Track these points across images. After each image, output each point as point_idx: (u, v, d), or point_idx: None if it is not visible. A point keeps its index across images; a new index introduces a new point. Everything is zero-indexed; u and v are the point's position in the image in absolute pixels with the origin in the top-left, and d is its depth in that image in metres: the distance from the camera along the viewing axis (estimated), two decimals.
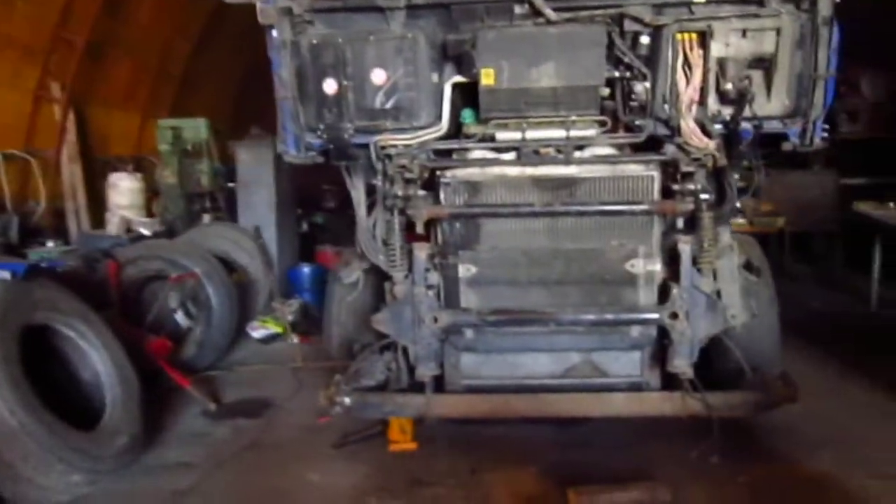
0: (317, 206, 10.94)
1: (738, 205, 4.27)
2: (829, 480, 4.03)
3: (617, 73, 3.90)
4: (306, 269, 8.20)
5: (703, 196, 3.97)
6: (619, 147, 4.12)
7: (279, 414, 5.34)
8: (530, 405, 4.21)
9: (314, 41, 3.90)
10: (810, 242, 9.52)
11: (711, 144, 3.87)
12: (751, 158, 4.05)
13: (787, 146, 3.98)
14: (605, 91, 3.94)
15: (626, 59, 3.85)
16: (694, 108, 3.83)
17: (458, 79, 4.01)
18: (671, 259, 4.16)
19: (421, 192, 4.14)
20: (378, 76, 3.87)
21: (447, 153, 4.20)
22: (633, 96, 3.93)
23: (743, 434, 4.34)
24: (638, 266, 4.10)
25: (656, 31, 3.79)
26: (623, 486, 3.86)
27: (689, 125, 3.84)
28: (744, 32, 3.74)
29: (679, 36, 3.75)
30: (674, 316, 4.00)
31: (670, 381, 4.30)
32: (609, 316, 4.10)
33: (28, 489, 3.90)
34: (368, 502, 4.02)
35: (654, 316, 4.07)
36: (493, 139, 4.08)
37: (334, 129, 4.02)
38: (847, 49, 3.81)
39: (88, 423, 4.30)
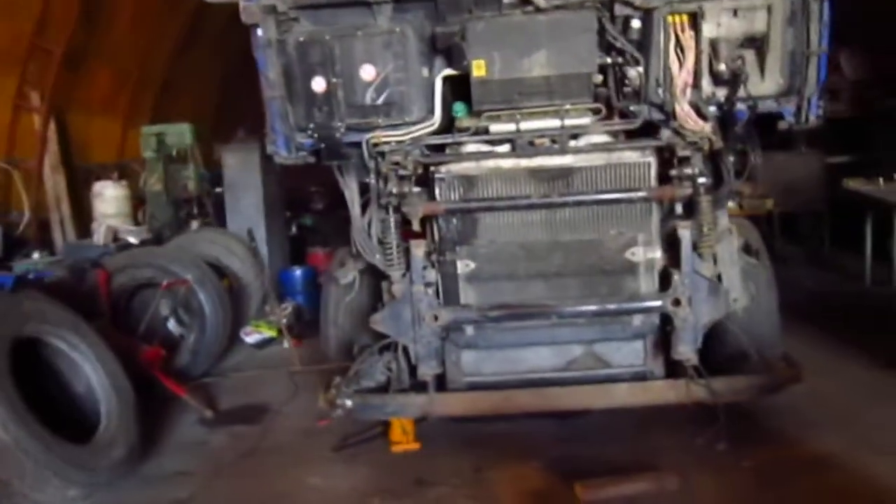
0: (305, 207, 10.88)
1: (734, 188, 4.22)
2: (835, 460, 4.00)
3: (609, 60, 3.86)
4: (298, 272, 8.14)
5: (701, 180, 3.94)
6: (614, 134, 4.08)
7: (277, 419, 5.27)
8: (534, 400, 4.15)
9: (300, 39, 3.83)
10: (797, 223, 9.53)
11: (707, 127, 3.85)
12: (746, 140, 4.02)
13: (782, 125, 3.96)
14: (599, 78, 3.89)
15: (618, 45, 3.81)
16: (688, 91, 3.79)
17: (449, 72, 3.95)
18: (670, 245, 4.13)
19: (416, 189, 4.08)
20: (367, 72, 3.81)
21: (441, 148, 4.14)
22: (627, 82, 3.89)
23: (745, 417, 4.28)
24: (638, 254, 4.06)
25: (647, 15, 3.74)
26: (629, 477, 3.84)
27: (683, 109, 3.81)
28: (735, 12, 3.71)
29: (670, 18, 3.71)
30: (676, 303, 3.96)
31: (674, 369, 4.26)
32: (611, 306, 4.06)
33: None
34: None
35: (657, 304, 4.03)
36: (486, 132, 4.04)
37: (325, 128, 3.95)
38: None
39: (83, 435, 4.22)
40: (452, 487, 4.05)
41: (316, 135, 4.00)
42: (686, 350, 4.02)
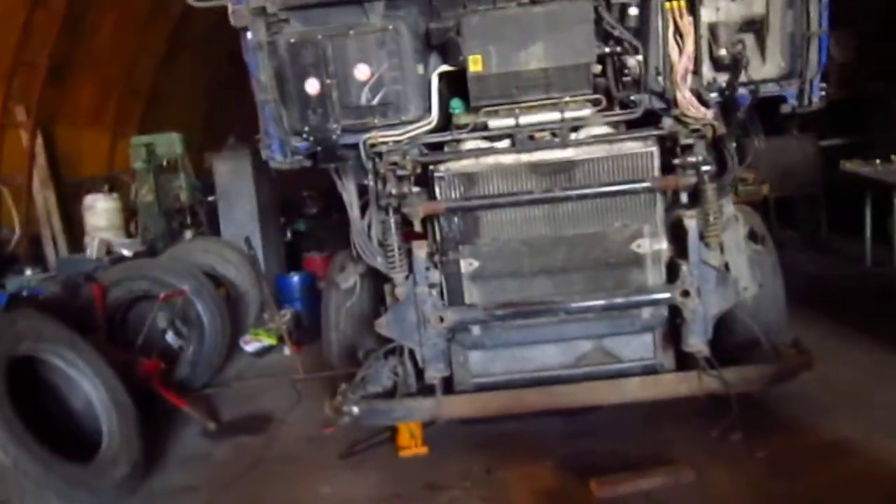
0: (298, 212, 10.80)
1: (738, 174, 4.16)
2: (851, 446, 3.96)
3: (607, 49, 3.80)
4: (295, 278, 8.04)
5: (705, 168, 3.88)
6: (615, 125, 4.02)
7: (281, 428, 5.20)
8: (544, 398, 4.10)
9: (292, 40, 3.76)
10: (793, 207, 9.51)
11: (709, 114, 3.79)
12: (748, 125, 3.97)
13: (785, 108, 3.91)
14: (597, 68, 3.84)
15: (616, 34, 3.75)
16: (689, 77, 3.73)
17: (445, 68, 3.89)
18: (675, 236, 4.07)
19: (415, 189, 4.02)
20: (362, 72, 3.74)
21: (439, 146, 4.08)
22: (626, 71, 3.83)
23: (756, 406, 4.23)
24: (644, 246, 4.01)
25: (644, 2, 3.70)
26: (644, 471, 3.80)
27: (685, 96, 3.75)
28: None
29: (668, 4, 3.65)
30: (685, 294, 3.90)
31: (684, 361, 4.20)
32: (619, 300, 3.99)
33: None
34: None
35: (665, 295, 3.97)
36: (485, 128, 3.97)
37: (320, 131, 3.89)
38: None
39: (85, 454, 4.15)
40: (464, 490, 4.00)
41: (311, 138, 3.93)
42: (697, 341, 3.96)
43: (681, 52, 3.69)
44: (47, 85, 8.71)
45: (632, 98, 3.89)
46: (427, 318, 4.02)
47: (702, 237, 3.97)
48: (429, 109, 3.91)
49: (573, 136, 3.96)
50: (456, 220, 4.05)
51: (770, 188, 8.68)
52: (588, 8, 3.64)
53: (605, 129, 4.01)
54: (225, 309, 6.48)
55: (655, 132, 3.93)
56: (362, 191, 4.22)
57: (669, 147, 3.98)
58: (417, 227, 4.06)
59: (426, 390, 4.20)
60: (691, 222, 3.91)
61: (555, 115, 3.89)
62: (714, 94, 3.78)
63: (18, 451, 3.64)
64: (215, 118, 12.56)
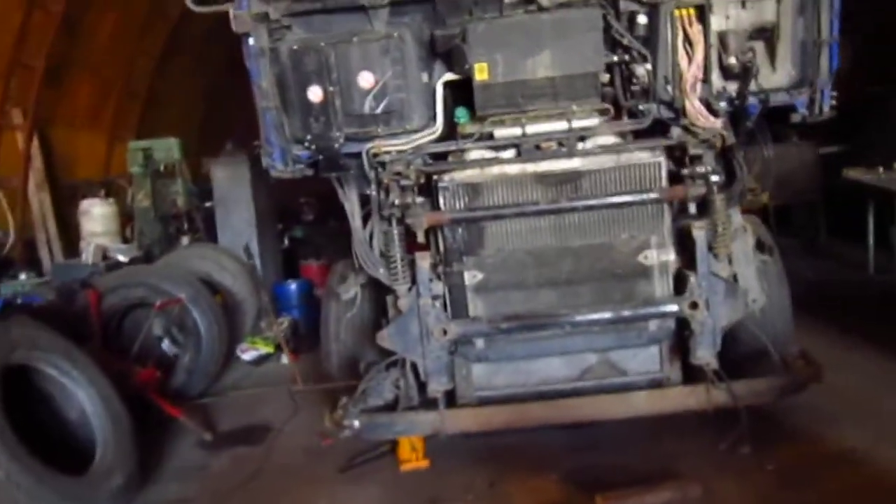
0: (295, 219, 10.73)
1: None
2: (860, 456, 3.92)
3: (615, 58, 3.75)
4: (293, 286, 7.97)
5: (714, 178, 3.83)
6: (623, 134, 3.96)
7: (279, 439, 5.11)
8: (549, 412, 4.03)
9: (294, 47, 3.70)
10: (792, 213, 9.49)
11: (719, 123, 3.75)
12: (757, 134, 3.91)
13: (795, 118, 3.86)
14: (605, 77, 3.79)
15: (625, 42, 3.71)
16: (698, 86, 3.68)
17: (450, 76, 3.83)
18: (683, 247, 4.01)
19: (419, 199, 3.95)
20: (365, 79, 3.68)
21: (443, 156, 4.02)
22: (634, 80, 3.77)
23: (763, 417, 4.17)
24: (651, 257, 3.95)
25: (653, 10, 3.65)
26: (651, 486, 3.73)
27: (694, 105, 3.70)
28: (743, 3, 3.63)
29: (677, 12, 3.61)
30: (693, 306, 3.84)
31: (690, 373, 4.15)
32: (626, 312, 3.92)
33: None
34: None
35: (673, 308, 3.90)
36: (491, 137, 3.91)
37: (322, 139, 3.82)
38: None
39: (79, 465, 4.07)
40: None
41: (313, 146, 3.87)
42: (705, 354, 3.91)
43: (690, 60, 3.64)
44: (44, 87, 8.65)
45: (640, 107, 3.84)
46: (430, 330, 3.95)
47: (710, 248, 3.91)
48: (433, 118, 3.85)
49: (580, 145, 3.91)
50: (460, 230, 3.98)
51: (770, 195, 8.65)
52: (596, 16, 3.59)
53: (612, 139, 3.95)
54: (222, 317, 6.40)
55: (664, 142, 3.88)
56: (364, 200, 4.15)
57: (678, 157, 3.92)
58: (421, 238, 3.99)
59: (428, 404, 4.12)
60: (700, 233, 3.85)
61: (562, 125, 3.83)
62: (723, 104, 3.73)
63: (10, 463, 3.55)
64: (213, 123, 12.49)
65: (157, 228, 8.39)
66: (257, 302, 7.43)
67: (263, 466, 4.64)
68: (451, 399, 4.20)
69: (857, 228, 7.68)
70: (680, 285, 3.96)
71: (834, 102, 3.80)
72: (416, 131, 3.84)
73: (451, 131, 3.96)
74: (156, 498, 4.38)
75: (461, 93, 3.85)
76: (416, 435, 4.21)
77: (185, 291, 6.06)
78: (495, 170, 3.93)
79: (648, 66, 3.72)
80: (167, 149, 8.48)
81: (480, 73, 3.60)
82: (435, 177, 3.97)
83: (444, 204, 3.95)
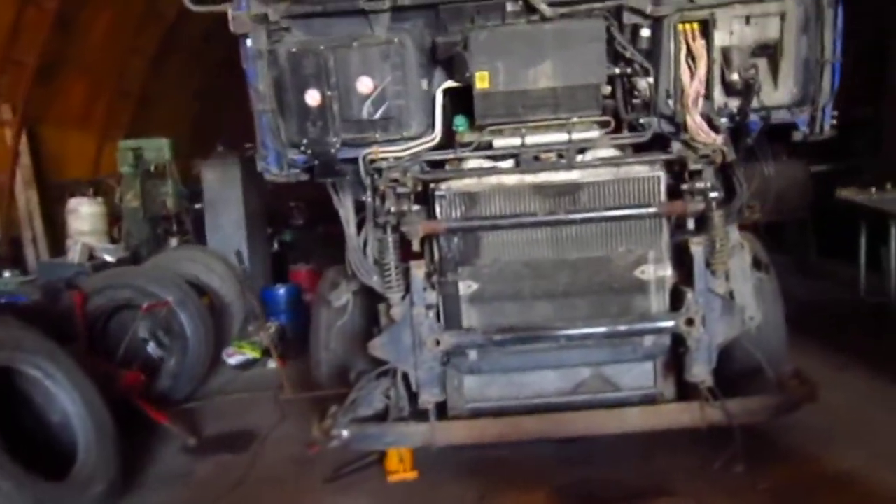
0: (285, 223, 10.65)
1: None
2: (853, 476, 3.90)
3: (617, 70, 3.73)
4: (281, 290, 7.89)
5: (713, 194, 3.80)
6: (623, 148, 3.94)
7: (265, 446, 5.03)
8: (541, 426, 3.98)
9: (293, 49, 3.65)
10: (782, 231, 9.51)
11: (719, 139, 3.72)
12: (757, 151, 3.90)
13: (796, 136, 3.85)
14: (607, 89, 3.75)
15: (627, 54, 3.68)
16: (700, 101, 3.66)
17: (450, 84, 3.79)
18: (680, 262, 3.98)
19: (415, 207, 3.90)
20: (364, 85, 3.64)
21: (441, 164, 3.98)
22: (636, 93, 3.75)
23: (756, 436, 4.13)
24: (648, 272, 3.92)
25: (657, 23, 3.63)
26: (644, 502, 3.73)
27: (695, 120, 3.68)
28: (747, 19, 3.61)
29: (681, 26, 3.59)
30: (690, 322, 3.81)
31: (684, 390, 4.12)
32: (622, 327, 3.89)
33: None
34: None
35: (670, 324, 3.87)
36: (489, 146, 3.88)
37: (319, 144, 3.78)
38: None
39: (60, 470, 3.97)
40: None
41: (309, 151, 3.82)
42: (701, 371, 3.87)
43: (692, 75, 3.62)
44: (36, 84, 8.58)
45: (641, 121, 3.81)
46: (423, 340, 3.89)
47: (708, 264, 3.89)
48: (432, 126, 3.81)
49: (579, 157, 3.88)
50: (456, 240, 3.94)
51: (762, 213, 8.65)
52: (600, 27, 3.57)
53: (612, 152, 3.93)
54: (209, 320, 6.33)
55: (664, 156, 3.86)
56: (359, 207, 4.10)
57: (677, 172, 3.90)
58: (416, 247, 3.93)
59: (419, 415, 4.06)
60: (698, 249, 3.83)
61: (562, 136, 3.80)
62: (725, 120, 3.71)
63: None
64: (205, 125, 12.42)
65: (146, 229, 8.31)
66: (245, 306, 7.35)
67: (249, 474, 4.56)
68: (441, 410, 4.14)
69: (848, 248, 7.69)
70: (676, 301, 3.94)
71: (835, 121, 3.79)
72: (413, 138, 3.80)
73: (449, 139, 3.91)
74: None
75: (460, 101, 3.81)
76: (406, 446, 4.14)
77: (173, 294, 5.97)
78: (493, 179, 3.90)
79: (650, 80, 3.70)
80: (158, 149, 8.39)
81: (481, 82, 3.56)
82: (432, 185, 3.93)
83: (441, 213, 3.91)
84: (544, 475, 4.17)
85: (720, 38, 3.59)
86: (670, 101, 3.70)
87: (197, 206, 8.57)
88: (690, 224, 3.94)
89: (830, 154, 8.94)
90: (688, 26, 3.58)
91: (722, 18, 3.57)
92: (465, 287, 3.95)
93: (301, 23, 3.68)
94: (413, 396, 4.06)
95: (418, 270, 3.91)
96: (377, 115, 3.68)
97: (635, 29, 3.65)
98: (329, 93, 3.66)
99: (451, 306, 3.99)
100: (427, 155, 3.88)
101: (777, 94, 3.69)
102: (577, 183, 3.85)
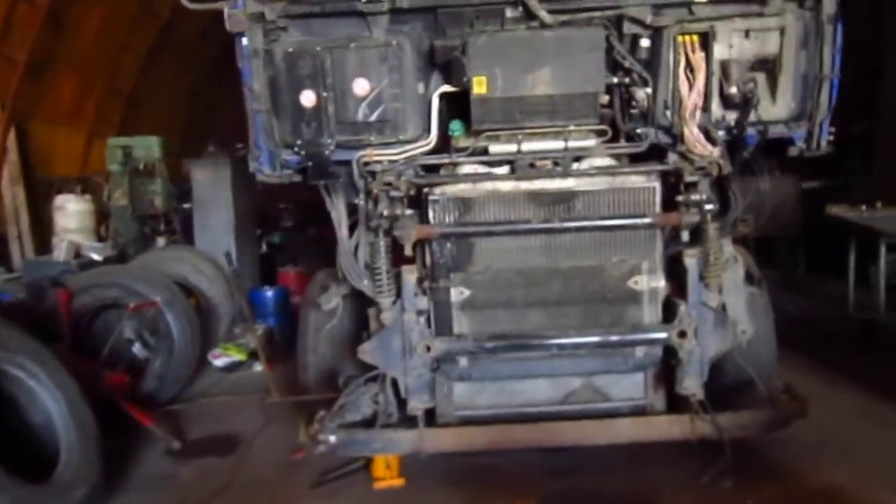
0: (274, 225, 10.58)
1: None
2: (842, 494, 3.87)
3: (616, 80, 3.71)
4: (269, 293, 7.83)
5: (708, 207, 3.79)
6: (619, 157, 3.92)
7: (250, 450, 4.96)
8: (531, 435, 3.96)
9: (289, 49, 3.63)
10: (772, 247, 9.54)
11: (716, 152, 3.71)
12: (753, 165, 3.89)
13: (792, 151, 3.85)
14: (605, 98, 3.74)
15: (626, 64, 3.67)
16: (697, 114, 3.65)
17: (447, 88, 3.76)
18: (673, 274, 3.98)
19: (408, 211, 3.87)
20: (360, 87, 3.62)
21: (435, 168, 3.95)
22: (634, 103, 3.74)
23: (745, 450, 4.12)
24: (641, 283, 3.90)
25: (657, 34, 3.62)
26: None
27: (692, 132, 3.67)
28: (747, 33, 3.61)
29: (681, 38, 3.58)
30: (682, 335, 3.79)
31: (674, 402, 4.11)
32: (614, 337, 3.88)
33: None
34: None
35: (662, 335, 3.86)
36: (485, 152, 3.86)
37: (313, 145, 3.74)
38: None
39: (41, 473, 3.89)
40: None
41: (303, 152, 3.79)
42: (692, 384, 3.86)
43: (691, 87, 3.62)
44: (26, 80, 8.49)
45: (638, 131, 3.80)
46: (413, 346, 3.86)
47: (701, 277, 3.87)
48: (427, 130, 3.79)
49: (575, 166, 3.86)
50: (449, 245, 3.91)
51: (752, 228, 8.66)
52: (600, 36, 3.55)
53: (608, 161, 3.92)
54: (196, 321, 6.25)
55: (660, 167, 3.85)
56: (352, 210, 4.07)
57: (673, 183, 3.89)
58: (408, 251, 3.89)
59: (407, 421, 4.03)
60: (692, 261, 3.82)
61: (558, 144, 3.79)
62: (722, 132, 3.71)
63: None
64: (195, 124, 12.35)
65: (133, 228, 8.19)
66: (233, 307, 7.28)
67: (234, 479, 4.48)
68: (430, 417, 4.11)
69: (836, 265, 7.71)
70: (669, 313, 3.93)
71: (832, 138, 3.79)
72: (409, 142, 3.77)
73: (444, 144, 3.89)
74: None
75: (457, 105, 3.79)
76: (394, 453, 4.10)
77: (160, 294, 5.89)
78: (488, 185, 3.88)
79: (649, 90, 3.69)
80: (148, 147, 8.28)
81: (479, 87, 3.53)
82: (426, 189, 3.91)
83: (434, 217, 3.88)
84: (532, 484, 4.14)
85: (719, 51, 3.58)
86: (668, 113, 3.69)
87: (186, 205, 8.48)
88: (685, 236, 3.91)
89: (822, 171, 9.00)
90: (687, 38, 3.58)
91: (722, 31, 3.56)
92: (457, 293, 3.93)
93: (298, 23, 3.66)
94: (402, 403, 4.02)
95: (410, 275, 3.89)
96: (372, 118, 3.66)
97: (635, 39, 3.65)
98: (325, 94, 3.63)
99: (442, 312, 3.96)
100: (422, 159, 3.85)
101: (775, 108, 3.69)
102: (573, 191, 3.84)
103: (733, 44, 3.58)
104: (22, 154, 8.51)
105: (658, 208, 3.85)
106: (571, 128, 3.74)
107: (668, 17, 3.59)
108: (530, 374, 4.15)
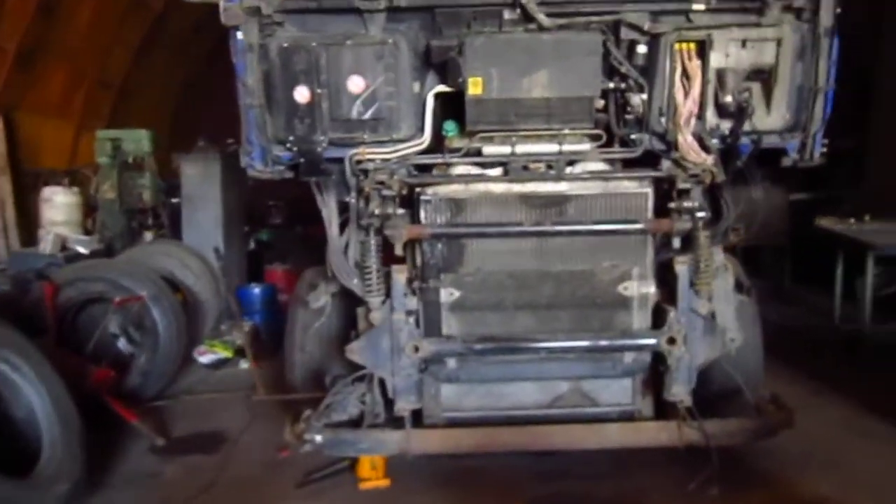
0: (262, 222, 10.53)
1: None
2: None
3: (612, 85, 3.71)
4: (256, 290, 7.79)
5: (700, 214, 3.80)
6: (612, 162, 3.92)
7: (235, 448, 4.92)
8: (518, 438, 3.95)
9: (284, 45, 3.60)
10: (759, 256, 9.59)
11: (709, 160, 3.71)
12: (746, 174, 3.90)
13: (786, 161, 3.87)
14: (600, 103, 3.74)
15: (622, 70, 3.67)
16: (692, 121, 3.65)
17: (442, 88, 3.75)
18: (663, 280, 3.99)
19: (399, 211, 3.85)
20: (355, 84, 3.59)
21: (428, 168, 3.94)
22: (629, 109, 3.73)
23: (732, 458, 4.11)
24: (631, 288, 3.91)
25: (654, 41, 3.62)
26: None
27: (686, 139, 3.67)
28: (743, 43, 3.61)
29: (678, 46, 3.59)
30: (671, 341, 3.80)
31: (661, 408, 4.12)
32: (603, 342, 3.88)
33: None
34: None
35: (651, 341, 3.87)
36: (478, 153, 3.85)
37: (306, 142, 3.71)
38: None
39: (22, 468, 3.84)
40: None
41: (295, 148, 3.76)
42: (680, 391, 3.87)
43: (686, 94, 3.62)
44: (14, 70, 8.38)
45: (632, 137, 3.81)
46: (401, 346, 3.85)
47: (692, 284, 3.88)
48: (421, 129, 3.77)
49: (569, 169, 3.86)
50: (440, 246, 3.90)
51: (741, 237, 8.70)
52: (597, 40, 3.55)
53: (601, 166, 3.91)
54: (182, 317, 6.20)
55: (653, 174, 3.85)
56: (343, 208, 4.05)
57: (665, 190, 3.89)
58: (398, 251, 3.88)
59: (394, 422, 4.01)
60: (683, 268, 3.83)
61: (552, 147, 3.78)
62: (716, 141, 3.72)
63: None
64: (185, 119, 12.25)
65: (121, 222, 8.10)
66: (219, 304, 7.23)
67: (218, 477, 4.44)
68: (417, 418, 4.09)
69: (822, 276, 7.75)
70: (658, 319, 3.93)
71: (825, 149, 3.80)
72: (402, 141, 3.75)
73: (438, 144, 3.88)
74: None
75: (451, 106, 3.78)
76: (381, 454, 4.08)
77: (147, 289, 5.84)
78: (480, 187, 3.87)
79: (644, 97, 3.69)
80: (137, 140, 8.19)
81: (474, 88, 3.52)
82: (418, 189, 3.89)
83: (425, 218, 3.87)
84: (518, 487, 4.13)
85: (716, 60, 3.59)
86: (663, 119, 3.69)
87: (174, 200, 8.41)
88: (676, 243, 3.93)
89: (810, 183, 9.06)
90: (684, 46, 3.58)
91: (719, 40, 3.57)
92: (447, 294, 3.91)
93: (295, 18, 3.63)
94: (389, 403, 4.01)
95: (400, 275, 3.87)
96: (367, 116, 3.63)
97: (632, 45, 3.64)
98: (319, 90, 3.60)
99: (431, 313, 3.95)
100: (415, 158, 3.83)
101: (769, 118, 3.70)
102: (565, 195, 3.84)
103: (730, 53, 3.59)
104: (9, 145, 8.40)
105: (650, 214, 3.85)
106: (566, 131, 3.74)
107: (665, 24, 3.59)
108: (519, 377, 4.14)
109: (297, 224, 10.03)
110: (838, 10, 3.58)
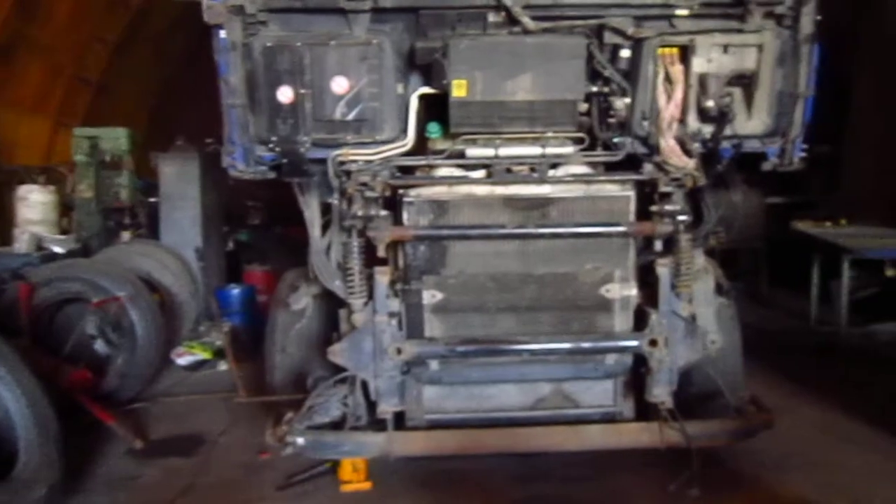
0: (241, 222, 10.46)
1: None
2: None
3: (595, 88, 3.73)
4: (235, 291, 7.75)
5: (682, 217, 3.82)
6: (595, 165, 3.94)
7: (215, 451, 4.89)
8: (501, 440, 3.95)
9: (268, 44, 3.57)
10: (735, 259, 9.67)
11: (691, 164, 3.74)
12: (727, 178, 3.94)
13: (766, 166, 3.90)
14: (584, 106, 3.75)
15: (606, 74, 3.69)
16: (674, 125, 3.68)
17: (426, 90, 3.75)
18: (645, 283, 4.00)
19: (382, 213, 3.82)
20: (339, 85, 3.57)
21: (411, 170, 3.92)
22: (612, 113, 3.75)
23: (711, 459, 4.15)
24: (613, 291, 3.92)
25: (637, 45, 3.64)
26: None
27: (668, 143, 3.70)
28: (725, 48, 3.64)
29: (661, 50, 3.61)
30: (653, 343, 3.82)
31: (643, 410, 4.13)
32: (585, 344, 3.89)
33: None
34: None
35: (633, 343, 3.89)
36: (462, 155, 3.85)
37: (288, 142, 3.69)
38: None
39: None
40: None
41: (278, 148, 3.73)
42: (661, 392, 3.89)
43: (669, 99, 3.65)
44: None
45: (615, 140, 3.83)
46: (384, 348, 3.83)
47: (673, 287, 3.90)
48: (405, 131, 3.76)
49: (552, 172, 3.86)
50: (422, 248, 3.89)
51: (719, 240, 8.77)
52: (581, 44, 3.57)
53: (584, 169, 3.93)
54: (161, 318, 6.14)
55: (635, 177, 3.87)
56: (325, 209, 4.04)
57: (647, 193, 3.91)
58: (381, 253, 3.86)
59: (376, 424, 3.99)
60: (664, 271, 3.86)
61: (535, 150, 3.79)
62: (697, 145, 3.74)
63: None
64: (164, 117, 12.12)
65: (98, 221, 8.00)
66: (198, 305, 7.16)
67: (197, 480, 4.41)
68: (399, 421, 4.08)
69: (798, 279, 7.84)
70: (640, 321, 3.95)
71: (804, 154, 3.85)
72: (385, 142, 3.74)
73: (421, 146, 3.88)
74: None
75: (434, 108, 3.78)
76: (363, 456, 4.06)
77: (125, 290, 5.78)
78: (463, 189, 3.87)
79: (627, 101, 3.71)
80: (115, 139, 8.10)
81: (458, 90, 3.53)
82: (401, 191, 3.88)
83: (408, 219, 3.86)
84: (500, 489, 4.14)
85: (698, 65, 3.61)
86: (645, 123, 3.72)
87: (152, 199, 8.33)
88: (658, 245, 3.93)
89: (786, 187, 9.17)
90: (667, 51, 3.62)
91: (701, 45, 3.60)
92: (430, 296, 3.90)
93: (279, 17, 3.60)
94: (371, 405, 3.99)
95: (382, 277, 3.85)
96: (350, 117, 3.62)
97: (615, 49, 3.66)
98: (302, 90, 3.58)
99: (414, 315, 3.94)
100: (398, 160, 3.82)
101: (750, 123, 3.74)
102: (548, 197, 3.85)
103: (712, 58, 3.61)
104: None
105: (632, 217, 3.87)
106: (549, 134, 3.75)
107: (649, 29, 3.61)
108: (501, 379, 4.14)
109: (276, 225, 9.96)
110: (819, 18, 3.62)
